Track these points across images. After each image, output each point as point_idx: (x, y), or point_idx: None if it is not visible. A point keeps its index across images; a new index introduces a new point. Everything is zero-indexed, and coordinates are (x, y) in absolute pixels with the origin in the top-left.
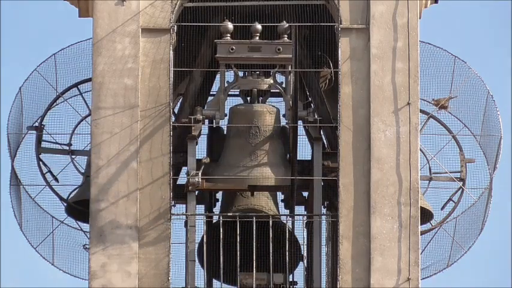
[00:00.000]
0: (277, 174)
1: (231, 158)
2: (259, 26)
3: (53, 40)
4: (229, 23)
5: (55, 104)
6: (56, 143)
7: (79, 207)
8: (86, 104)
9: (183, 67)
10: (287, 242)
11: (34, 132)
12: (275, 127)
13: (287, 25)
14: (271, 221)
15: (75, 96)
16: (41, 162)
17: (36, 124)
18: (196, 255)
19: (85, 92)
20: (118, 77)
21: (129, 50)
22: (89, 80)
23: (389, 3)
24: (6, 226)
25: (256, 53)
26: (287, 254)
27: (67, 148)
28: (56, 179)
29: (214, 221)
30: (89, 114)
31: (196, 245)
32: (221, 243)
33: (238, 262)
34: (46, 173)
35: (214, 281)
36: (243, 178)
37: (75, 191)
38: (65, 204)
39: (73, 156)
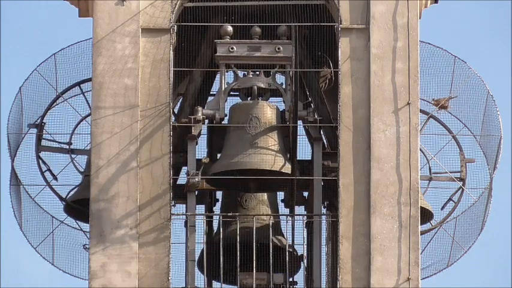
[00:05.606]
0: (278, 162)
1: (231, 150)
2: (258, 29)
3: (53, 40)
4: (228, 25)
5: (55, 103)
6: (56, 141)
7: (77, 206)
8: (88, 103)
9: (183, 67)
10: (286, 245)
11: (34, 130)
12: (276, 119)
13: (286, 25)
14: (271, 222)
15: (76, 95)
16: (40, 161)
17: (37, 122)
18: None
19: (86, 91)
20: (118, 77)
21: (129, 50)
22: (90, 79)
23: (389, 3)
24: (6, 226)
25: (256, 52)
26: (287, 254)
27: (67, 147)
28: (55, 178)
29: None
30: (89, 114)
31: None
32: (221, 245)
33: (238, 262)
34: (45, 171)
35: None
36: (243, 169)
37: (74, 190)
38: (64, 203)
39: (73, 156)
